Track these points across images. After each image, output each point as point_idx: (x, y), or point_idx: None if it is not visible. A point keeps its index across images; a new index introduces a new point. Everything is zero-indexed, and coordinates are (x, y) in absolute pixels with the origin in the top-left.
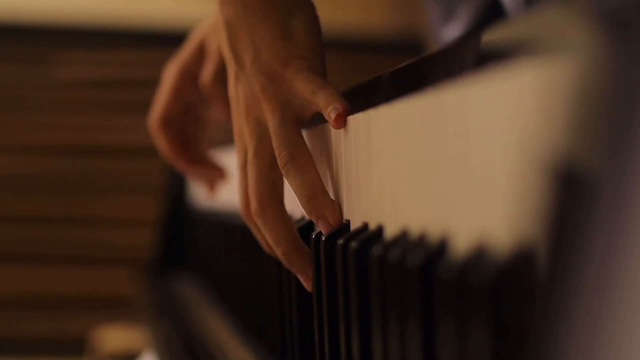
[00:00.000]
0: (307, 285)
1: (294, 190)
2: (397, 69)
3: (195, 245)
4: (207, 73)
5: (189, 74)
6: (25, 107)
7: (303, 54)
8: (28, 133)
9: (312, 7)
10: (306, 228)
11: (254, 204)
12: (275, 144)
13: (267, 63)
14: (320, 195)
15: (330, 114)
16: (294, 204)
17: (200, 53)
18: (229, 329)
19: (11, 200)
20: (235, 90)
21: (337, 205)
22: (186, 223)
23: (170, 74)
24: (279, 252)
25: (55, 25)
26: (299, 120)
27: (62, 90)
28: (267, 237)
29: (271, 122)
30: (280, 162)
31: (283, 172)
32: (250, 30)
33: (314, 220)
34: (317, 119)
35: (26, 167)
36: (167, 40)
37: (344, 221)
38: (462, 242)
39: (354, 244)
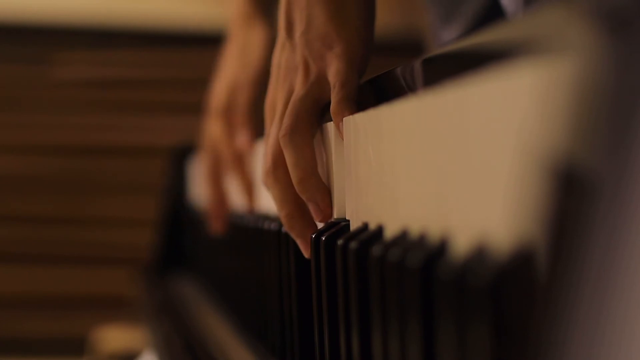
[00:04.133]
0: (305, 251)
1: (288, 167)
2: (397, 68)
3: (195, 245)
4: (241, 105)
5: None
6: (25, 107)
7: (348, 38)
8: (28, 133)
9: None
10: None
11: (268, 162)
12: (287, 112)
13: (313, 39)
14: (310, 178)
15: (340, 127)
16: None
17: (235, 96)
18: (229, 329)
19: (11, 200)
20: (279, 58)
21: (327, 191)
22: (186, 223)
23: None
24: (282, 214)
25: (55, 25)
26: (323, 100)
27: (62, 90)
28: (274, 199)
29: (296, 92)
30: (281, 131)
31: (280, 141)
32: (307, 8)
33: (305, 202)
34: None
35: (26, 167)
36: (167, 40)
37: (334, 213)
38: (462, 242)
39: (354, 244)
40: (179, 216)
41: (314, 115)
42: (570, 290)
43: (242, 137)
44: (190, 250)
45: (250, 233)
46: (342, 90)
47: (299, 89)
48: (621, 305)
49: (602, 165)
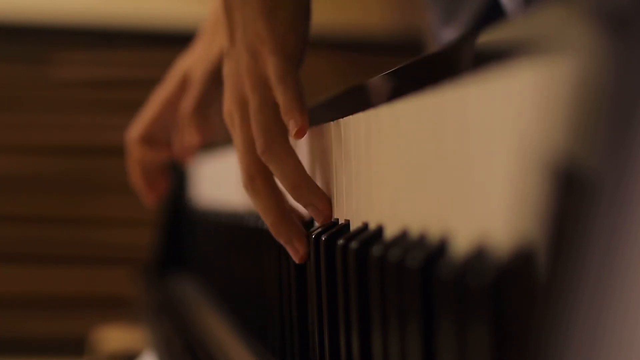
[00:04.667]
0: (296, 257)
1: (278, 179)
2: (397, 69)
3: (195, 245)
4: (188, 102)
5: (171, 104)
6: (25, 107)
7: (282, 34)
8: (28, 133)
9: None
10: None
11: (243, 177)
12: (253, 128)
13: (250, 40)
14: (303, 183)
15: (290, 126)
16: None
17: (183, 84)
18: (229, 329)
19: (11, 200)
20: (225, 68)
21: (323, 192)
22: (186, 223)
23: (153, 103)
24: (268, 223)
25: (55, 25)
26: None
27: (62, 90)
28: (257, 209)
29: (251, 103)
30: (258, 149)
31: (262, 159)
32: (242, 8)
33: (303, 207)
34: (317, 120)
35: (26, 167)
36: (167, 40)
37: (334, 214)
38: (462, 242)
39: (354, 244)
40: (179, 216)
41: (279, 120)
42: (570, 290)
43: (188, 138)
44: (190, 250)
45: (250, 233)
46: (283, 87)
47: (251, 97)
48: (621, 305)
49: (602, 165)
